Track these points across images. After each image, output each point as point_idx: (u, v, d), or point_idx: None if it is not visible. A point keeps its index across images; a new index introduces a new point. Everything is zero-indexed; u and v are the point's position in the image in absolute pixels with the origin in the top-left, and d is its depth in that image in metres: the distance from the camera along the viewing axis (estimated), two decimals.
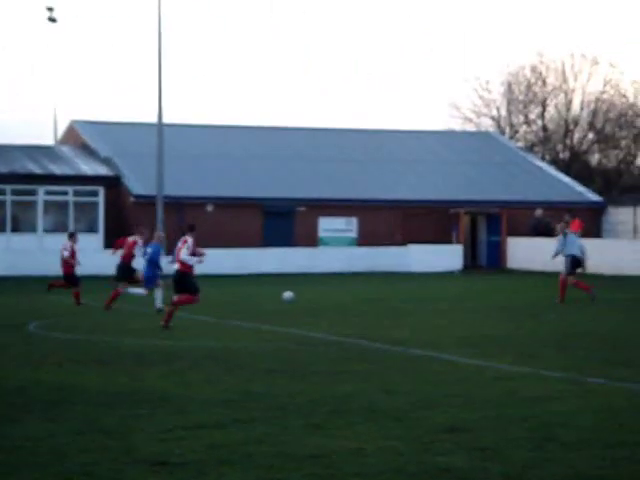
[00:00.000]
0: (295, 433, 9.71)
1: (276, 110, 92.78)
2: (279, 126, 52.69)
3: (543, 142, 68.57)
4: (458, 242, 44.77)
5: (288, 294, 25.33)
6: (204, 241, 41.50)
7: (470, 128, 66.33)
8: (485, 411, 10.80)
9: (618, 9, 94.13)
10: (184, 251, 19.72)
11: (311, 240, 43.97)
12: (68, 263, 26.01)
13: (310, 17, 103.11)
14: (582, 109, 66.72)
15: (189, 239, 19.85)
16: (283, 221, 43.77)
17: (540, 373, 13.52)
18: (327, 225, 44.36)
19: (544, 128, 68.26)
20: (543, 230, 43.42)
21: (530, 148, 64.82)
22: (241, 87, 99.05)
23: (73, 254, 26.02)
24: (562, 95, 66.99)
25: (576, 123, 67.10)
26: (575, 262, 25.74)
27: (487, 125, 66.82)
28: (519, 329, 19.59)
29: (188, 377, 13.30)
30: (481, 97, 68.40)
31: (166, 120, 42.83)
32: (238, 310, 23.70)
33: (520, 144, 63.44)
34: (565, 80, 66.77)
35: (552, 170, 52.79)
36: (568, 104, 66.77)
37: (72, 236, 26.75)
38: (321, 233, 44.37)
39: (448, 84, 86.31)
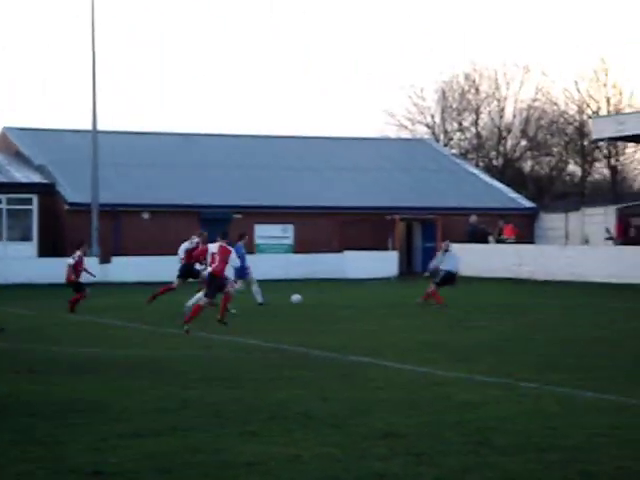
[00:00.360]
0: (231, 441, 9.70)
1: (210, 116, 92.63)
2: (214, 133, 52.56)
3: (477, 149, 69.24)
4: (394, 248, 45.01)
5: (296, 297, 26.50)
6: (140, 249, 41.35)
7: (405, 135, 66.78)
8: (421, 416, 10.88)
9: (549, 18, 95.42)
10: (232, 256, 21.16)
11: (247, 247, 43.87)
12: (74, 270, 26.09)
13: (253, 24, 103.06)
14: (515, 116, 67.55)
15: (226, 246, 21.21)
16: (219, 228, 43.58)
17: (475, 378, 13.65)
18: (263, 232, 44.34)
19: (478, 135, 68.93)
20: (479, 236, 43.85)
21: (464, 155, 65.40)
22: (174, 93, 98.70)
23: (80, 262, 26.18)
24: (495, 103, 67.76)
25: (509, 130, 67.88)
26: (449, 277, 26.86)
27: (422, 132, 67.37)
28: (454, 334, 19.76)
29: (124, 385, 13.22)
30: (416, 104, 68.96)
31: (101, 127, 42.55)
32: (174, 318, 23.58)
33: (454, 151, 63.98)
34: (498, 88, 67.53)
35: (486, 177, 53.30)
36: (501, 112, 67.54)
37: (82, 245, 27.08)
38: (257, 240, 44.33)
39: (383, 91, 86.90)
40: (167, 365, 15.40)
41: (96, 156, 40.56)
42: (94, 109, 41.26)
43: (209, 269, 21.16)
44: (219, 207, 44.11)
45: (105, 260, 39.46)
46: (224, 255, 20.93)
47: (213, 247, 21.26)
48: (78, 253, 26.29)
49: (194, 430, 10.19)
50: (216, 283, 20.95)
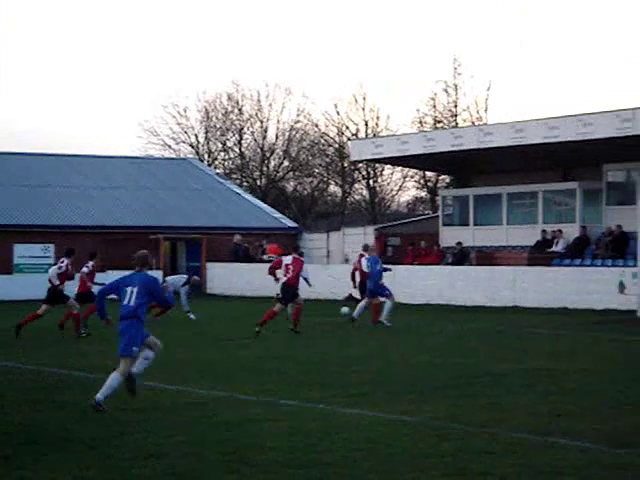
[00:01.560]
0: None
1: None
2: None
3: (241, 169, 69.81)
4: (158, 268, 44.72)
5: (344, 309, 27.78)
6: None
7: (169, 154, 66.55)
8: (182, 436, 10.84)
9: (309, 41, 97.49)
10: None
11: (6, 267, 42.58)
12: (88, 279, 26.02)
13: None
14: (277, 137, 68.54)
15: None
16: None
17: (236, 397, 13.72)
18: (23, 252, 43.08)
19: (241, 155, 69.52)
20: (242, 255, 44.19)
21: (228, 175, 65.79)
22: None
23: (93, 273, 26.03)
24: (258, 123, 68.56)
25: (272, 151, 68.79)
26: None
27: (186, 152, 67.31)
28: (218, 354, 19.79)
29: None
30: (179, 124, 68.87)
31: None
32: None
33: (218, 171, 64.26)
34: (260, 109, 68.37)
35: (250, 197, 53.80)
36: (264, 132, 68.41)
37: (95, 256, 26.60)
38: (16, 260, 43.06)
39: (146, 110, 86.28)
40: None
41: None
42: None
43: (283, 279, 23.94)
44: None
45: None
46: (297, 267, 24.07)
47: (287, 259, 24.32)
48: (91, 263, 26.14)
49: None
50: (290, 292, 23.81)
